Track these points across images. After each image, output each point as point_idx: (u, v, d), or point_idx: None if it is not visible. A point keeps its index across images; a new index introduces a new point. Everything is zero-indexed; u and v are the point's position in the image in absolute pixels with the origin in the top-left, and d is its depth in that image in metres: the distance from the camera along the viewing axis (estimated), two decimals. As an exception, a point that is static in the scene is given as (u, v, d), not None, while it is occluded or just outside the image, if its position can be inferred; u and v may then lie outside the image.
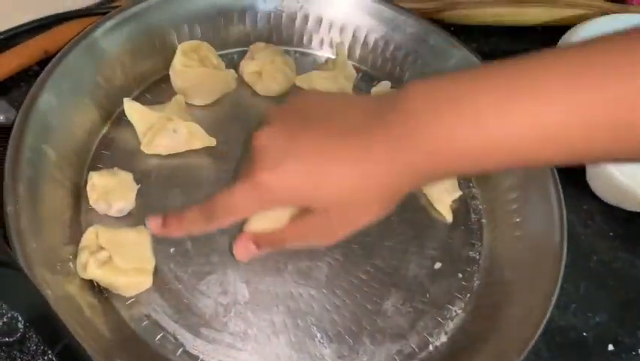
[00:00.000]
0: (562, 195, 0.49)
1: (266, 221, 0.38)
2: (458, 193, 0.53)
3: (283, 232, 0.37)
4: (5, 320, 0.31)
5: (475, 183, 0.55)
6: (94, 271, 0.40)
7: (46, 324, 0.33)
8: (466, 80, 0.32)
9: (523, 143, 0.30)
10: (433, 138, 0.31)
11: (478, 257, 0.51)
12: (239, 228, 0.48)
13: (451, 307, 0.48)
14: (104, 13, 0.55)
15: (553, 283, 0.45)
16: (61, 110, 0.46)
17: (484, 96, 0.31)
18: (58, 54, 0.48)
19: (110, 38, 0.50)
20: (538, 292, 0.45)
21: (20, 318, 0.31)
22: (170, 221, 0.38)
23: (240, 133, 0.53)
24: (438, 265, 0.49)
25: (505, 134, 0.30)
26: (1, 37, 0.54)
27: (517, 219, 0.50)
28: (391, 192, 0.34)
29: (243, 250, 0.38)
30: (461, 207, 0.53)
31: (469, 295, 0.48)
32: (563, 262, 0.46)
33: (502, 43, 0.68)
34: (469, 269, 0.50)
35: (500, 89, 0.30)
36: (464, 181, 0.55)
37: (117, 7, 0.55)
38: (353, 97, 0.47)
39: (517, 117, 0.30)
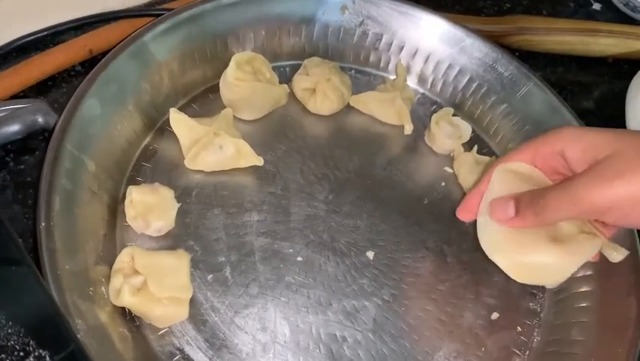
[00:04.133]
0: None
1: None
2: (520, 237, 0.48)
3: (549, 194, 0.35)
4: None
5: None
6: (128, 298, 0.37)
7: (52, 329, 0.31)
8: None
9: None
10: None
11: (539, 309, 0.46)
12: (282, 260, 0.44)
13: (508, 364, 0.43)
14: (153, 15, 0.52)
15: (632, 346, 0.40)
16: (104, 117, 0.43)
17: None
18: (106, 57, 0.45)
19: (160, 43, 0.47)
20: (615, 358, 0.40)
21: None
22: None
23: (286, 153, 0.50)
24: (495, 316, 0.45)
25: None
26: (46, 33, 0.51)
27: (589, 272, 0.46)
28: None
29: (501, 209, 0.37)
30: (522, 252, 0.48)
31: (528, 352, 0.44)
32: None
33: (569, 74, 0.63)
34: (528, 323, 0.45)
35: None
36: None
37: (167, 9, 0.52)
38: None
39: None
